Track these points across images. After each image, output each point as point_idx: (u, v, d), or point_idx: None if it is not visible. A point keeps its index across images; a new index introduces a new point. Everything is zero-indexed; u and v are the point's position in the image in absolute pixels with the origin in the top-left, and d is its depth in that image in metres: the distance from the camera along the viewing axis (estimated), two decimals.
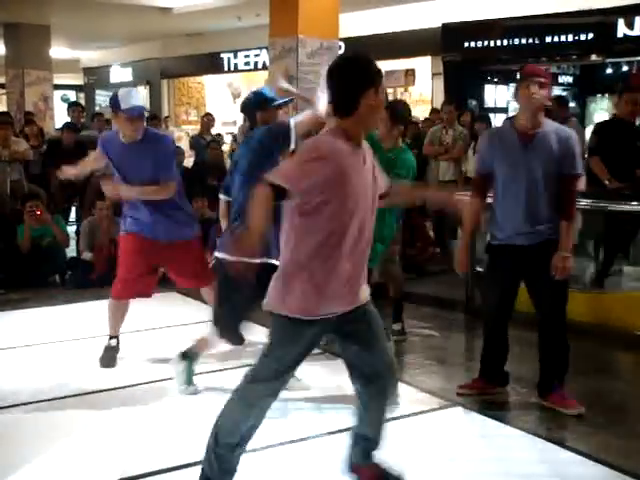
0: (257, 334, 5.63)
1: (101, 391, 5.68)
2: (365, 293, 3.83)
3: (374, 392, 3.90)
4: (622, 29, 13.65)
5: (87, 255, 9.43)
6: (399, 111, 6.62)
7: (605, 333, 6.99)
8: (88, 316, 7.81)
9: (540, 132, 5.23)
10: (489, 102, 17.22)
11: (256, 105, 5.51)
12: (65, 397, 5.55)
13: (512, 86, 15.36)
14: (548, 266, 5.17)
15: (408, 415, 5.16)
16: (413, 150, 7.64)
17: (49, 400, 5.48)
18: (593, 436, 4.92)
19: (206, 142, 12.99)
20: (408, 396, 5.44)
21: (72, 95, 26.05)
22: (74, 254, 9.78)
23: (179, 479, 4.33)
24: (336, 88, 3.67)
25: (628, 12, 13.47)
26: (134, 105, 6.04)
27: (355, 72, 3.63)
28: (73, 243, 10.08)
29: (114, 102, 6.05)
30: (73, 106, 14.34)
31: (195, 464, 4.29)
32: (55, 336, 7.13)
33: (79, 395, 5.60)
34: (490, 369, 5.70)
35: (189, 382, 5.59)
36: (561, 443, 4.79)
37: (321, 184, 3.47)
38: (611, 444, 4.80)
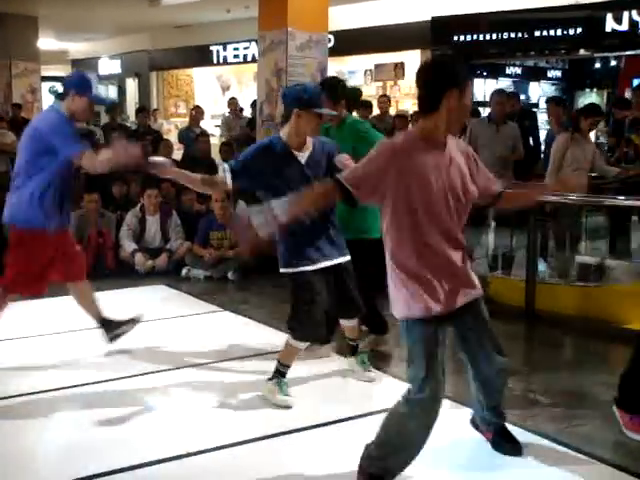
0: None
1: (96, 382, 5.68)
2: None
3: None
4: (610, 24, 13.74)
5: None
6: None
7: (589, 326, 7.09)
8: (73, 309, 7.85)
9: None
10: (478, 96, 17.25)
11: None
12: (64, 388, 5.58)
13: (501, 80, 15.53)
14: None
15: None
16: None
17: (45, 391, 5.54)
18: (575, 428, 4.98)
19: (195, 135, 13.02)
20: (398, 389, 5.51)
21: (59, 87, 25.93)
22: None
23: (173, 469, 4.37)
24: (421, 87, 3.75)
25: (616, 7, 13.59)
26: (104, 97, 6.19)
27: (439, 72, 3.71)
28: None
29: (85, 83, 6.00)
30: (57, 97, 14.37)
31: (188, 455, 4.41)
32: (37, 329, 7.13)
33: (85, 385, 5.62)
34: None
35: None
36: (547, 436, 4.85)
37: (389, 183, 3.60)
38: (595, 437, 4.85)
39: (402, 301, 3.77)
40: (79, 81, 6.12)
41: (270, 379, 5.29)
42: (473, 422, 4.63)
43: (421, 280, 3.71)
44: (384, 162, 3.62)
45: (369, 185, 3.62)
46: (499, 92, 10.26)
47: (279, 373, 5.28)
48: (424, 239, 3.67)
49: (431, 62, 3.95)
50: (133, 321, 6.41)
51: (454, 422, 4.94)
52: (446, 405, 5.21)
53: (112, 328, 6.31)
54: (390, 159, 3.62)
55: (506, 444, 4.44)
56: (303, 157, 5.16)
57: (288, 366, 5.30)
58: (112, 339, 6.29)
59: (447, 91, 3.60)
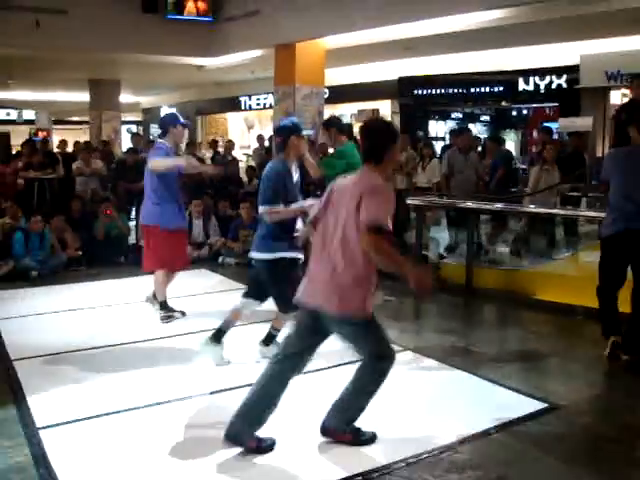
0: None
1: (148, 340, 5.69)
2: None
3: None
4: (522, 85, 14.39)
5: (143, 242, 9.42)
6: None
7: (511, 297, 7.05)
8: (144, 286, 7.83)
9: None
10: (432, 132, 17.37)
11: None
12: (127, 343, 5.57)
13: (448, 122, 15.65)
14: None
15: None
16: None
17: (118, 345, 5.51)
18: (499, 369, 4.96)
19: (228, 160, 12.98)
20: None
21: (134, 128, 25.90)
22: (134, 241, 9.78)
23: (195, 406, 4.32)
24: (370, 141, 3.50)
25: (525, 73, 14.18)
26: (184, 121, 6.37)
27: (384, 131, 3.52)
28: (133, 233, 10.08)
29: (174, 117, 6.34)
30: (134, 136, 14.31)
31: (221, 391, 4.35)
32: (119, 300, 7.14)
33: (135, 342, 5.61)
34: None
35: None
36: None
37: None
38: (513, 374, 4.86)
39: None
40: (170, 117, 6.41)
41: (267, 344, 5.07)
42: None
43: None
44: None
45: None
46: (467, 130, 10.19)
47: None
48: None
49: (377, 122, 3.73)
50: (182, 313, 6.37)
51: (415, 369, 4.92)
52: (409, 356, 5.25)
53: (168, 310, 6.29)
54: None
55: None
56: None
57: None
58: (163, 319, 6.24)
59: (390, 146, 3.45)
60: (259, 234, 4.80)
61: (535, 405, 4.21)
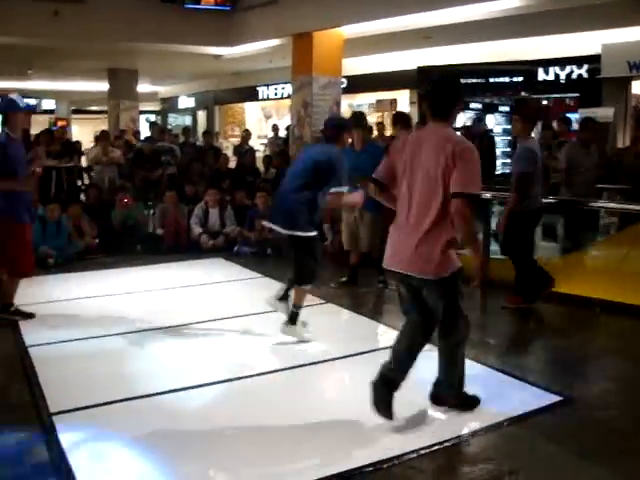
0: None
1: (163, 328, 5.69)
2: None
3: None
4: (541, 75, 14.08)
5: (159, 231, 9.47)
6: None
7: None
8: (160, 274, 7.86)
9: None
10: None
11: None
12: (143, 331, 5.57)
13: (467, 113, 15.47)
14: None
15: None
16: None
17: (134, 332, 5.52)
18: (514, 361, 4.91)
19: (245, 150, 12.97)
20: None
21: (152, 117, 25.94)
22: (150, 230, 9.81)
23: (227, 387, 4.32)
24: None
25: (545, 63, 13.86)
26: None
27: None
28: (150, 222, 10.12)
29: (11, 104, 5.49)
30: (153, 125, 14.35)
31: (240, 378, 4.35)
32: (136, 288, 7.16)
33: (151, 330, 5.61)
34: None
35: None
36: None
37: None
38: (528, 367, 4.80)
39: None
40: (7, 103, 5.62)
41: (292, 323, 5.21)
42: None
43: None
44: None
45: None
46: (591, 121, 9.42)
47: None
48: None
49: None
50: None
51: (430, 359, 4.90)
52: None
53: None
54: None
55: None
56: None
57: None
58: None
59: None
60: (297, 213, 5.00)
61: (550, 398, 4.16)
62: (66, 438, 3.55)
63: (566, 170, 7.79)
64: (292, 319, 5.20)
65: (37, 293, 6.76)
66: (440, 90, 3.68)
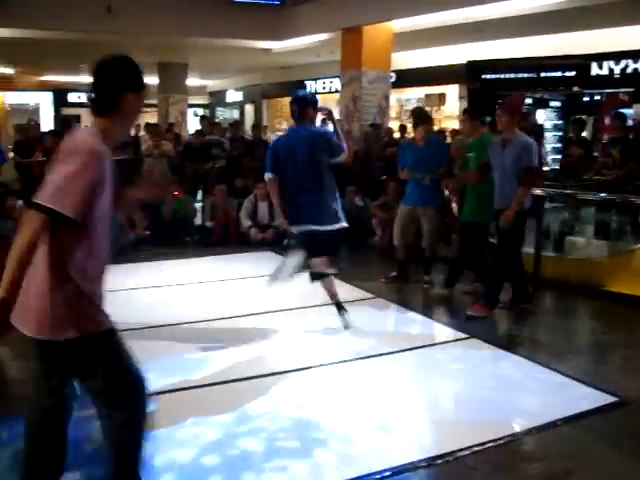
0: None
1: (215, 320, 5.76)
2: None
3: None
4: (595, 69, 13.73)
5: (209, 223, 9.58)
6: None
7: (578, 287, 6.85)
8: (210, 266, 7.95)
9: None
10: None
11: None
12: (194, 322, 5.65)
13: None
14: None
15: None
16: None
17: (185, 324, 5.60)
18: (567, 360, 4.86)
19: None
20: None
21: (200, 111, 26.22)
22: (200, 223, 9.93)
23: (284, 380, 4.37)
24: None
25: (599, 57, 13.50)
26: None
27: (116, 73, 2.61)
28: (199, 215, 10.25)
29: None
30: (203, 119, 14.50)
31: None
32: (187, 279, 7.25)
33: (203, 321, 5.68)
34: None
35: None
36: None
37: None
38: (581, 366, 4.74)
39: None
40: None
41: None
42: None
43: None
44: None
45: None
46: None
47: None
48: None
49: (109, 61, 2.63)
50: None
51: (480, 357, 4.85)
52: (475, 343, 5.18)
53: None
54: None
55: None
56: None
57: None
58: None
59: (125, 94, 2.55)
60: (331, 208, 5.22)
61: (605, 399, 4.10)
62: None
63: None
64: (339, 307, 5.47)
65: None
66: (102, 74, 2.64)
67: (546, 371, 4.57)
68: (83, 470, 3.18)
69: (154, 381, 4.23)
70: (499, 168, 5.81)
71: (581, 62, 13.92)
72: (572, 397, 4.14)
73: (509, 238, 5.77)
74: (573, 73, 14.34)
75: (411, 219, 6.89)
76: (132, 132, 14.10)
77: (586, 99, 16.77)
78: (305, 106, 5.25)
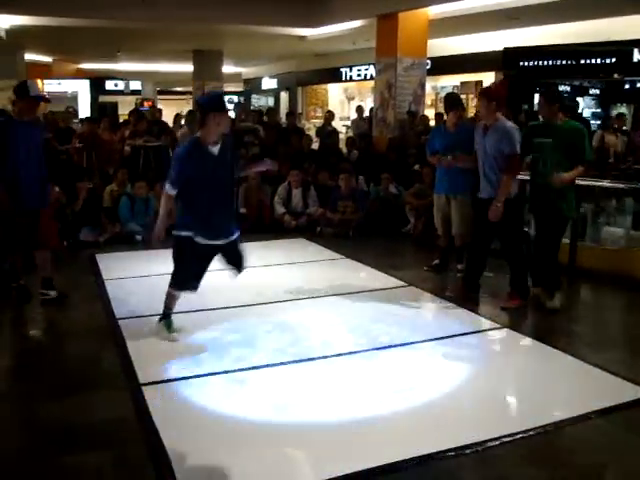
0: None
1: (245, 306, 5.78)
2: None
3: None
4: (637, 56, 13.45)
5: (242, 210, 9.61)
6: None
7: (615, 278, 6.70)
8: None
9: None
10: (537, 106, 16.65)
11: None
12: (227, 308, 5.69)
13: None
14: None
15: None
16: None
17: (215, 309, 5.63)
18: (602, 352, 4.79)
19: (328, 131, 12.94)
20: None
21: (235, 98, 26.29)
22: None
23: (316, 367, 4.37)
24: None
25: None
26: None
27: None
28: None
29: None
30: (238, 105, 14.53)
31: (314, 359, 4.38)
32: (219, 265, 7.26)
33: (237, 307, 5.72)
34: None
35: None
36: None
37: None
38: (616, 358, 4.66)
39: None
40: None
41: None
42: None
43: None
44: None
45: None
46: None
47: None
48: None
49: None
50: None
51: (514, 347, 4.80)
52: (508, 333, 5.12)
53: None
54: None
55: None
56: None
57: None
58: None
59: None
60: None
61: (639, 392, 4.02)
62: (156, 409, 3.67)
63: None
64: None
65: (125, 267, 6.99)
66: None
67: (580, 363, 4.50)
68: (115, 450, 3.23)
69: (200, 364, 4.30)
70: (482, 155, 5.75)
71: (622, 48, 13.61)
72: (606, 390, 4.08)
73: (506, 229, 5.69)
74: (614, 60, 14.04)
75: (446, 207, 6.82)
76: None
77: (627, 87, 16.44)
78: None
